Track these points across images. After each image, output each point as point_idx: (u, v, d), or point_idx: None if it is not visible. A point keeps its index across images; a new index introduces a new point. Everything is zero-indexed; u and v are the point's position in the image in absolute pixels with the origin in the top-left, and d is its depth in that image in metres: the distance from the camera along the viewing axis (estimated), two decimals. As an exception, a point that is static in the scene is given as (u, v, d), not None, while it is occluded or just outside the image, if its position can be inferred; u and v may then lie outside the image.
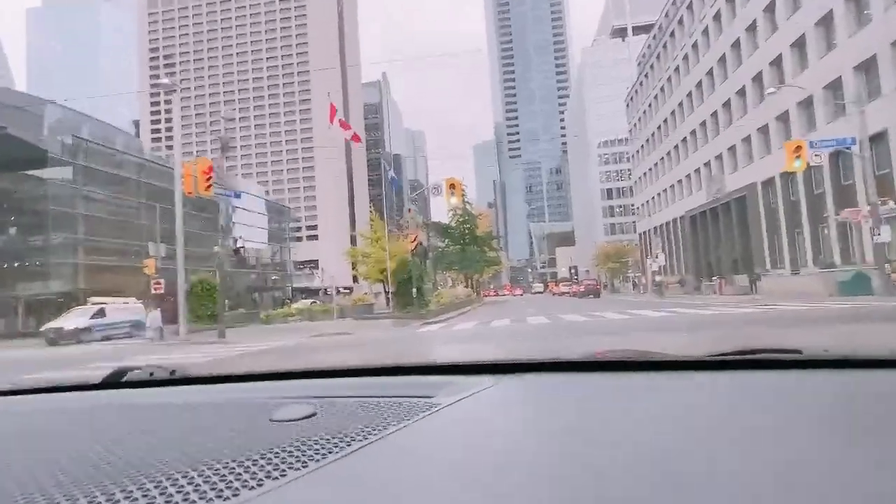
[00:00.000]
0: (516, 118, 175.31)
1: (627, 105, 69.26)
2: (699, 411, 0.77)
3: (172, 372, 1.29)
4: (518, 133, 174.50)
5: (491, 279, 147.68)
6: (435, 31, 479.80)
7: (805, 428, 0.66)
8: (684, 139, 49.60)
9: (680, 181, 49.69)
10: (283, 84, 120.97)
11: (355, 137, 35.41)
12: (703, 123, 44.82)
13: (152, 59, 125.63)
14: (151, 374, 1.30)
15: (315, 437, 0.70)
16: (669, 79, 53.79)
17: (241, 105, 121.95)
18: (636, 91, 67.06)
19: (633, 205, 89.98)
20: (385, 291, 49.23)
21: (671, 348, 1.18)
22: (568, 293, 61.30)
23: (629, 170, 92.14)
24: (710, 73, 43.21)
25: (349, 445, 0.66)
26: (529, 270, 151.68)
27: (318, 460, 0.61)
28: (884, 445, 0.59)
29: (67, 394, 1.29)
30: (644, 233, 64.03)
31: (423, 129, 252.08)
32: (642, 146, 64.29)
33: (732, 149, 39.60)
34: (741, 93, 37.83)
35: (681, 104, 50.37)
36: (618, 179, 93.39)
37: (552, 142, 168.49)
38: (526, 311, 25.38)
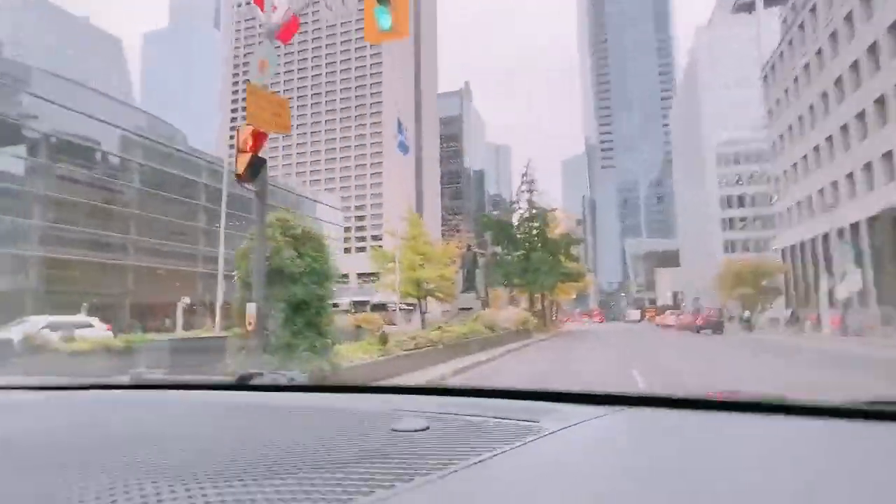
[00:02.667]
0: (610, 126, 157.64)
1: (765, 78, 52.25)
2: (825, 461, 0.72)
3: (291, 379, 1.44)
4: (612, 142, 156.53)
5: (574, 302, 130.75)
6: (522, 36, 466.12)
7: None
8: (860, 113, 33.11)
9: (868, 166, 32.79)
10: (356, 95, 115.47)
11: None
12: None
13: (234, 74, 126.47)
14: (273, 380, 1.45)
15: (428, 450, 0.72)
16: (834, 33, 37.33)
17: (314, 111, 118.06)
18: (779, 58, 50.18)
19: (758, 215, 71.27)
20: (419, 307, 37.07)
21: None
22: (675, 325, 45.44)
23: (755, 172, 73.45)
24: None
25: (459, 462, 0.67)
26: (623, 295, 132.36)
27: (425, 474, 0.63)
28: None
29: (195, 392, 1.41)
30: (791, 248, 46.47)
31: (508, 143, 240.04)
32: (788, 130, 47.18)
33: None
34: None
35: (855, 64, 33.93)
36: (738, 183, 74.66)
37: (652, 149, 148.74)
38: (611, 359, 12.19)
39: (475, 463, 0.68)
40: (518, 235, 32.89)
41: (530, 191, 34.08)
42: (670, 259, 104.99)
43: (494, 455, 0.71)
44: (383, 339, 12.00)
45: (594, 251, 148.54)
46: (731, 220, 74.53)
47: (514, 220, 33.91)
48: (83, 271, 35.81)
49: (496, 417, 0.89)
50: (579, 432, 0.84)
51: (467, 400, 1.16)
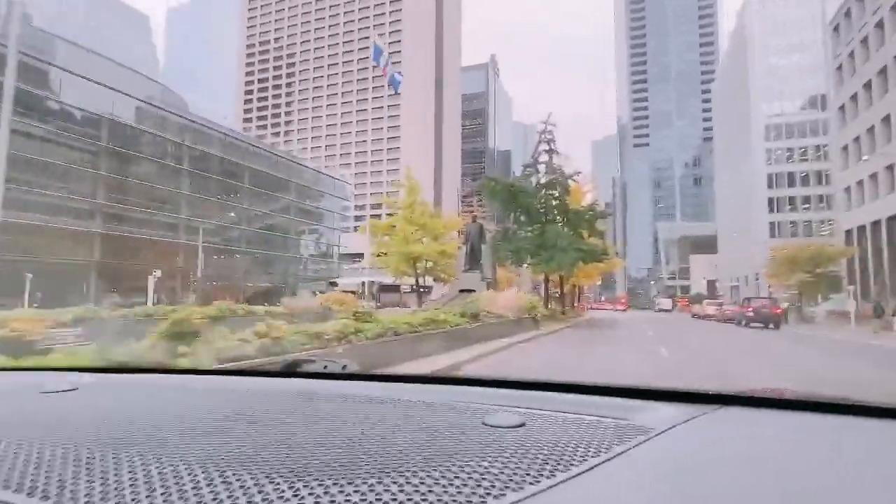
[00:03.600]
0: (646, 101, 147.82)
1: (835, 29, 44.74)
2: None
3: (344, 367, 1.33)
4: (647, 118, 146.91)
5: (600, 288, 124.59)
6: (554, 5, 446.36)
7: None
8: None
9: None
10: (373, 66, 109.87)
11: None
12: None
13: (249, 45, 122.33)
14: (325, 367, 1.35)
15: (527, 449, 0.69)
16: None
17: (330, 82, 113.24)
18: (844, 16, 42.75)
19: (810, 195, 63.65)
20: (416, 288, 32.19)
21: None
22: (716, 316, 39.55)
23: (817, 146, 65.53)
24: None
25: (563, 464, 0.65)
26: (653, 282, 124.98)
27: (533, 481, 0.60)
28: None
29: (248, 378, 1.35)
30: (859, 229, 39.75)
31: (535, 123, 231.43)
32: (856, 95, 40.06)
33: None
34: None
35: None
36: (790, 160, 66.83)
37: (690, 126, 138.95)
38: (644, 371, 6.74)
39: (588, 466, 0.65)
40: (533, 204, 27.47)
41: (550, 151, 28.45)
42: (706, 244, 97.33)
43: (607, 457, 0.68)
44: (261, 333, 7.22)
45: (624, 235, 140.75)
46: (777, 200, 66.96)
47: (529, 186, 28.36)
48: (38, 237, 32.13)
49: (592, 415, 0.87)
50: (685, 432, 0.81)
51: (560, 396, 1.07)
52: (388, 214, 31.74)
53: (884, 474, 0.67)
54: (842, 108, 42.59)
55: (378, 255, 31.54)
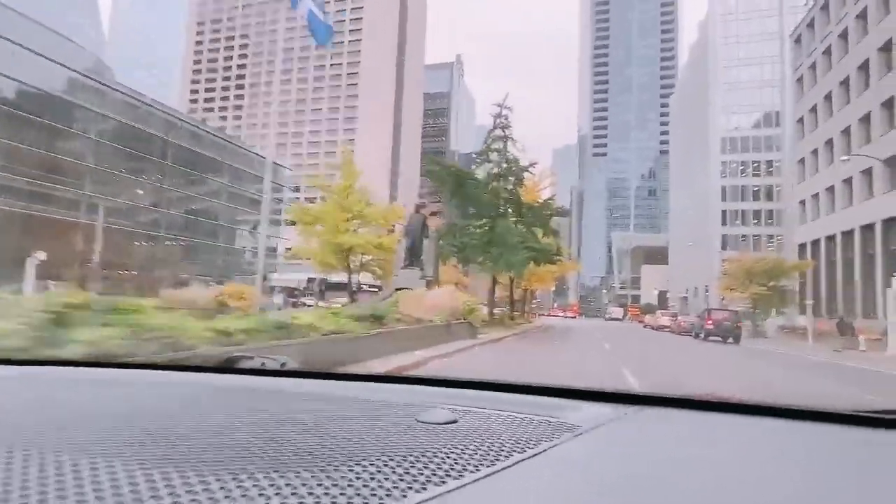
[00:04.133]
0: (606, 111, 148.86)
1: (797, 41, 44.25)
2: (837, 467, 0.74)
3: (283, 364, 1.31)
4: (606, 128, 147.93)
5: (555, 295, 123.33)
6: (521, 11, 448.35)
7: None
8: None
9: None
10: (331, 64, 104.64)
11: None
12: None
13: (199, 23, 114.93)
14: (263, 364, 1.30)
15: (459, 445, 0.70)
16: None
17: (284, 77, 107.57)
18: (807, 28, 42.33)
19: (761, 209, 64.18)
20: (350, 285, 28.53)
21: None
22: (670, 328, 37.94)
23: (769, 162, 66.10)
24: None
25: (492, 460, 0.66)
26: (605, 291, 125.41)
27: (461, 472, 0.61)
28: None
29: (181, 373, 1.32)
30: (812, 243, 39.09)
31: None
32: (815, 106, 39.49)
33: None
34: None
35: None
36: (743, 174, 67.21)
37: (647, 139, 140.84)
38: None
39: (513, 461, 0.66)
40: (483, 195, 24.49)
41: (504, 138, 25.55)
42: (657, 255, 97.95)
43: (531, 454, 0.69)
44: None
45: (579, 243, 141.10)
46: (729, 213, 67.15)
47: (481, 175, 25.32)
48: None
49: (526, 413, 0.88)
50: (610, 431, 0.85)
51: (493, 394, 1.09)
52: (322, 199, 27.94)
53: (790, 471, 0.70)
54: (800, 120, 42.07)
55: (290, 249, 27.74)
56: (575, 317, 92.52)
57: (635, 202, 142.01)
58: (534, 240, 24.11)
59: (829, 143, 36.66)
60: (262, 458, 0.62)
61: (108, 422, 0.76)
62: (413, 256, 21.80)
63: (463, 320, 15.01)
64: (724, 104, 67.35)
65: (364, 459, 0.63)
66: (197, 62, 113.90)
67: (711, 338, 24.54)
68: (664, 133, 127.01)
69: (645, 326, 46.73)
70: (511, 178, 25.40)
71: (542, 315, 73.90)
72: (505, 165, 25.29)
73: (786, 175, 66.31)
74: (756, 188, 66.37)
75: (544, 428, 0.80)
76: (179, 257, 42.28)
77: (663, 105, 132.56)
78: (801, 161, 41.42)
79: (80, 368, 1.36)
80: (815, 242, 38.32)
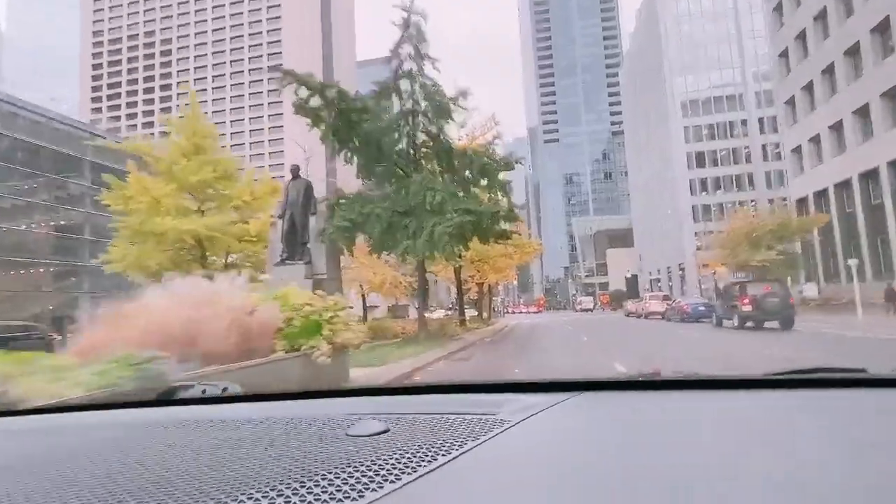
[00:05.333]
0: (553, 95, 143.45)
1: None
2: (762, 430, 0.78)
3: (224, 389, 1.29)
4: (556, 113, 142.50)
5: (520, 290, 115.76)
6: (460, 20, 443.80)
7: (869, 448, 0.65)
8: None
9: None
10: (251, 64, 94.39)
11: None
12: None
13: (96, 22, 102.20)
14: (203, 391, 1.28)
15: (389, 453, 0.70)
16: None
17: (198, 64, 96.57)
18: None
19: (732, 174, 58.27)
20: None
21: None
22: (661, 315, 30.34)
23: (736, 122, 60.43)
24: None
25: (422, 464, 0.66)
26: (570, 281, 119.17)
27: (392, 480, 0.61)
28: None
29: (118, 411, 1.27)
30: (816, 194, 32.38)
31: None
32: (804, 32, 32.92)
33: None
34: None
35: None
36: (711, 138, 61.38)
37: (599, 119, 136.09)
38: None
39: (440, 464, 0.66)
40: (390, 141, 15.92)
41: (418, 57, 16.85)
42: (623, 238, 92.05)
43: (461, 453, 0.70)
44: None
45: (539, 235, 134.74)
46: (698, 181, 61.05)
47: (383, 112, 16.62)
48: None
49: (457, 413, 0.88)
50: (539, 421, 0.85)
51: (426, 398, 1.11)
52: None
53: (708, 441, 0.73)
54: (783, 53, 35.51)
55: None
56: (540, 311, 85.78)
57: (592, 186, 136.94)
58: (471, 200, 15.58)
59: (830, 69, 29.99)
60: (195, 491, 0.61)
61: (23, 477, 0.71)
62: (292, 244, 12.81)
63: (297, 352, 6.42)
64: (680, 63, 61.44)
65: (292, 479, 0.62)
66: (97, 67, 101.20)
67: (748, 324, 16.61)
68: (615, 114, 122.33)
69: (628, 315, 39.08)
70: (430, 116, 16.79)
71: (508, 313, 66.03)
72: (422, 95, 16.65)
73: (753, 135, 60.98)
74: (723, 151, 60.61)
75: (478, 425, 0.80)
76: (47, 283, 31.81)
77: (610, 85, 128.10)
78: (790, 101, 34.85)
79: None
80: (821, 193, 31.62)
